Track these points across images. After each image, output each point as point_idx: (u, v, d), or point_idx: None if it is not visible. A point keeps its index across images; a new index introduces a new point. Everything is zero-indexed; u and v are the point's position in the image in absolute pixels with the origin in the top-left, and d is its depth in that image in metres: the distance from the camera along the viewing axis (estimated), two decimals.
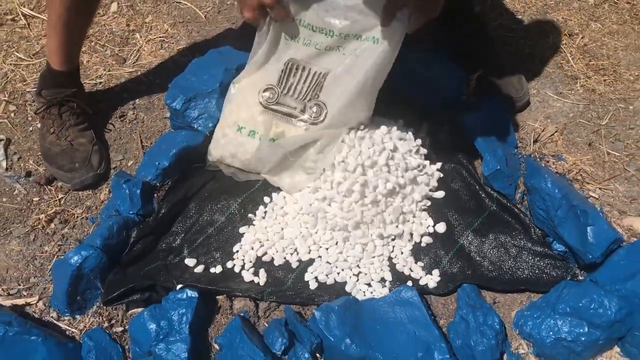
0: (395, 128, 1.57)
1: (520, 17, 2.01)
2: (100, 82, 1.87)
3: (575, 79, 1.85)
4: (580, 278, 1.39)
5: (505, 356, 1.30)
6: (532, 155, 1.60)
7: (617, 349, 1.32)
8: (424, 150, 1.58)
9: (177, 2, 2.12)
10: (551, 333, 1.28)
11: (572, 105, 1.78)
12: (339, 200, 1.46)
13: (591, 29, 1.99)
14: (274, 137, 1.51)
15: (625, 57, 1.91)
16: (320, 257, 1.45)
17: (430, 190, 1.53)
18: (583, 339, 1.26)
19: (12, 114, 1.80)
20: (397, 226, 1.48)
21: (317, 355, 1.31)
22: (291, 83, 1.51)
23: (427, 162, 1.57)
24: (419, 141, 1.59)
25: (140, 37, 2.01)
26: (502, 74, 1.74)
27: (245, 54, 1.69)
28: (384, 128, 1.54)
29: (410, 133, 1.59)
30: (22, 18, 2.07)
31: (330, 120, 1.48)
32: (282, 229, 1.48)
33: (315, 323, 1.29)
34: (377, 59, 1.42)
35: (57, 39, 1.59)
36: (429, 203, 1.52)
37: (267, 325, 1.35)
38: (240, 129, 1.55)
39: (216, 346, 1.33)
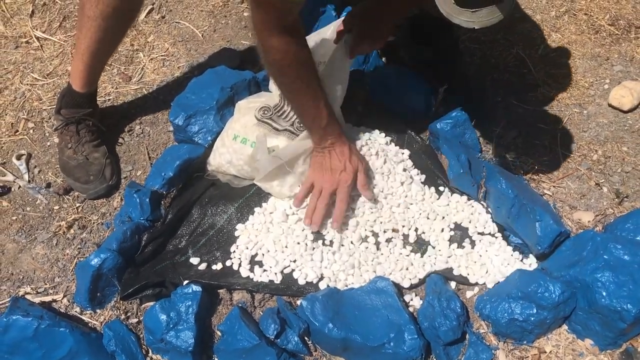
0: (373, 136, 1.76)
1: (487, 29, 2.12)
2: (109, 99, 2.01)
3: (536, 86, 1.99)
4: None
5: (467, 335, 1.46)
6: (494, 159, 1.77)
7: (565, 327, 1.49)
8: (405, 157, 1.75)
9: (176, 22, 2.25)
10: (506, 314, 1.44)
11: (532, 111, 1.92)
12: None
13: (552, 39, 2.12)
14: (270, 148, 1.65)
15: (581, 65, 2.05)
16: (302, 256, 1.58)
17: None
18: (533, 319, 1.43)
19: (31, 131, 1.94)
20: (380, 228, 1.64)
21: (305, 338, 1.47)
22: (285, 110, 1.70)
23: (409, 168, 1.73)
24: (402, 150, 1.76)
25: (144, 56, 2.15)
26: (468, 84, 1.92)
27: (239, 72, 1.88)
28: (363, 136, 1.73)
29: (389, 140, 1.77)
30: (36, 40, 2.20)
31: None
32: (269, 231, 1.63)
33: (303, 310, 1.45)
34: (326, 79, 1.61)
35: (83, 65, 1.72)
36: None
37: (262, 313, 1.50)
38: (235, 138, 1.69)
39: (218, 333, 1.48)
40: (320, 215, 1.59)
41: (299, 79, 1.50)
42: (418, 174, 1.72)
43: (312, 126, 1.58)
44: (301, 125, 1.66)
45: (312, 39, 1.65)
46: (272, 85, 1.77)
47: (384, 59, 1.98)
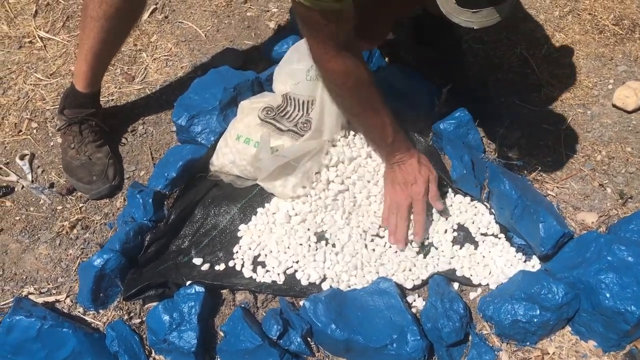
0: None
1: (490, 29, 2.11)
2: (112, 99, 2.01)
3: (539, 86, 1.99)
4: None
5: (470, 336, 1.46)
6: (497, 159, 1.77)
7: (568, 328, 1.49)
8: None
9: (179, 22, 2.25)
10: (509, 316, 1.44)
11: (536, 111, 1.92)
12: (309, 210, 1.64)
13: (556, 39, 2.12)
14: (274, 147, 1.65)
15: (585, 65, 2.04)
16: (305, 257, 1.59)
17: None
18: (536, 320, 1.42)
19: (35, 131, 1.95)
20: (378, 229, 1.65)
21: (308, 339, 1.47)
22: (287, 110, 1.70)
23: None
24: None
25: (147, 56, 2.15)
26: (471, 84, 1.92)
27: (242, 73, 1.88)
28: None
29: None
30: (39, 40, 2.20)
31: (314, 127, 1.64)
32: (272, 232, 1.63)
33: (305, 311, 1.45)
34: None
35: (86, 65, 1.72)
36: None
37: (264, 314, 1.50)
38: (238, 138, 1.69)
39: (221, 333, 1.48)
40: (403, 232, 1.59)
41: (363, 99, 1.51)
42: None
43: (379, 144, 1.60)
44: (305, 125, 1.67)
45: None
46: (276, 86, 1.77)
47: (386, 59, 1.98)
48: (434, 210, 1.65)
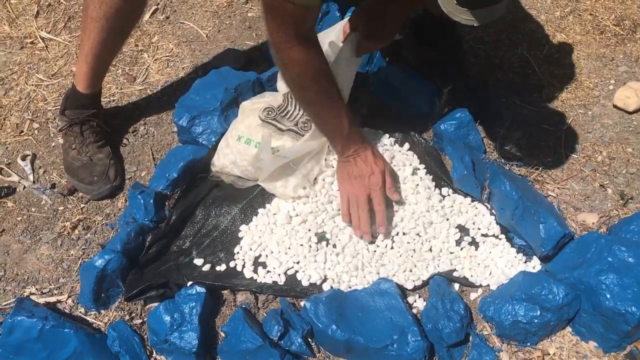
0: (377, 137, 1.77)
1: (491, 29, 2.14)
2: (114, 100, 2.02)
3: (540, 87, 1.99)
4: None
5: (470, 337, 1.46)
6: (498, 160, 1.77)
7: (568, 329, 1.49)
8: (411, 156, 1.75)
9: (180, 23, 2.25)
10: (509, 316, 1.44)
11: (537, 111, 1.92)
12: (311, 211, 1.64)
13: (557, 39, 2.12)
14: (274, 148, 1.65)
15: (586, 65, 2.04)
16: (305, 258, 1.59)
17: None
18: (536, 321, 1.43)
19: (36, 131, 1.95)
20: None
21: (309, 339, 1.47)
22: (288, 110, 1.70)
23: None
24: (406, 146, 1.77)
25: (148, 56, 2.15)
26: (472, 84, 1.92)
27: (243, 73, 1.88)
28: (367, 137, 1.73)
29: (393, 141, 1.78)
30: (41, 41, 2.20)
31: (314, 126, 1.64)
32: (273, 233, 1.63)
33: (306, 312, 1.46)
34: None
35: (87, 66, 1.73)
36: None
37: (265, 315, 1.51)
38: (239, 138, 1.70)
39: (222, 334, 1.48)
40: (366, 223, 1.60)
41: (320, 90, 1.51)
42: (426, 174, 1.72)
43: (334, 136, 1.60)
44: (305, 125, 1.67)
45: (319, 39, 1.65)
46: (279, 85, 1.77)
47: (387, 59, 1.98)
48: (435, 211, 1.65)
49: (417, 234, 1.63)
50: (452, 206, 1.67)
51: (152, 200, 1.66)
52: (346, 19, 1.71)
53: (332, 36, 1.70)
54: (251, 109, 1.74)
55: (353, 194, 1.60)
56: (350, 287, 1.55)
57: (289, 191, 1.66)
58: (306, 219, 1.64)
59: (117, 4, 1.58)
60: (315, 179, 1.69)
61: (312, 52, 1.44)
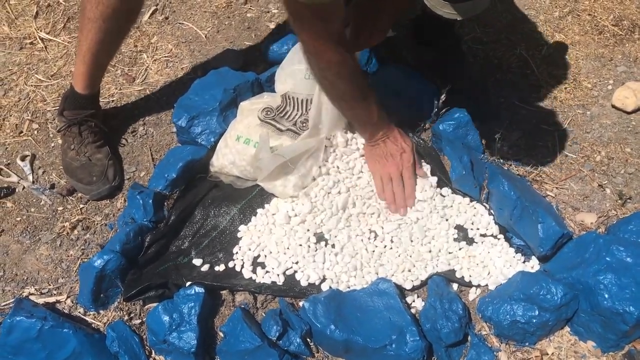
0: None
1: (490, 30, 2.14)
2: (113, 100, 2.02)
3: (539, 87, 1.99)
4: None
5: (469, 337, 1.47)
6: (496, 160, 1.77)
7: (567, 328, 1.49)
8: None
9: (179, 23, 2.25)
10: (508, 316, 1.45)
11: (535, 111, 1.92)
12: (307, 211, 1.64)
13: (555, 39, 2.12)
14: (273, 147, 1.66)
15: (585, 65, 2.04)
16: (304, 258, 1.59)
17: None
18: (535, 320, 1.43)
19: (35, 132, 1.95)
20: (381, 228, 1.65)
21: (307, 339, 1.48)
22: (287, 110, 1.71)
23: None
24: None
25: (147, 57, 2.15)
26: (470, 85, 1.92)
27: (242, 74, 1.88)
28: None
29: None
30: (40, 42, 2.21)
31: (312, 124, 1.65)
32: (272, 233, 1.63)
33: (305, 312, 1.46)
34: None
35: (85, 67, 1.73)
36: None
37: (264, 315, 1.51)
38: (238, 138, 1.70)
39: (221, 334, 1.48)
40: (402, 199, 1.66)
41: (354, 88, 1.55)
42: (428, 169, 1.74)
43: (365, 123, 1.65)
44: (304, 124, 1.68)
45: None
46: (277, 86, 1.77)
47: (387, 59, 1.98)
48: (434, 211, 1.66)
49: (416, 234, 1.63)
50: (451, 206, 1.67)
51: (151, 201, 1.66)
52: None
53: None
54: (250, 109, 1.74)
55: (386, 173, 1.66)
56: (349, 287, 1.55)
57: (288, 190, 1.66)
58: (305, 219, 1.64)
59: (114, 4, 1.59)
60: (315, 179, 1.68)
61: (344, 50, 1.47)
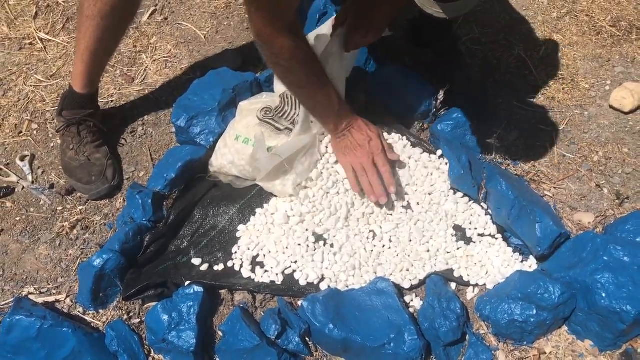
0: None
1: (488, 30, 2.15)
2: (112, 100, 2.02)
3: (537, 87, 1.99)
4: None
5: (467, 336, 1.47)
6: (494, 160, 1.77)
7: (564, 328, 1.50)
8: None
9: (178, 24, 2.26)
10: (506, 315, 1.45)
11: (533, 112, 1.92)
12: (307, 211, 1.65)
13: (553, 40, 2.12)
14: (270, 147, 1.67)
15: (582, 66, 2.05)
16: (303, 257, 1.60)
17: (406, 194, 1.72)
18: (532, 320, 1.43)
19: (35, 132, 1.96)
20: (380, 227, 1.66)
21: (306, 338, 1.48)
22: (285, 110, 1.71)
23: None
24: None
25: (147, 57, 2.16)
26: (469, 85, 1.92)
27: (241, 74, 1.89)
28: None
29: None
30: (39, 42, 2.21)
31: (301, 118, 1.66)
32: (271, 232, 1.64)
33: (304, 311, 1.46)
34: None
35: (83, 65, 1.73)
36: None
37: (263, 314, 1.52)
38: (237, 138, 1.71)
39: (220, 333, 1.49)
40: (380, 186, 1.63)
41: (310, 73, 1.54)
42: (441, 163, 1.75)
43: (327, 115, 1.63)
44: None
45: (310, 38, 1.66)
46: (276, 86, 1.78)
47: (385, 60, 1.99)
48: (434, 212, 1.66)
49: (415, 234, 1.64)
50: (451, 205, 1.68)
51: (150, 200, 1.67)
52: (334, 15, 1.72)
53: (323, 32, 1.70)
54: (249, 109, 1.75)
55: (357, 163, 1.64)
56: (347, 287, 1.56)
57: (288, 189, 1.66)
58: (304, 219, 1.65)
59: (112, 2, 1.59)
60: (313, 180, 1.69)
61: (298, 38, 1.47)
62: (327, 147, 1.72)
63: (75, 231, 1.72)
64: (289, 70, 1.53)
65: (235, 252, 1.62)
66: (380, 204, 1.64)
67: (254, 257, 1.62)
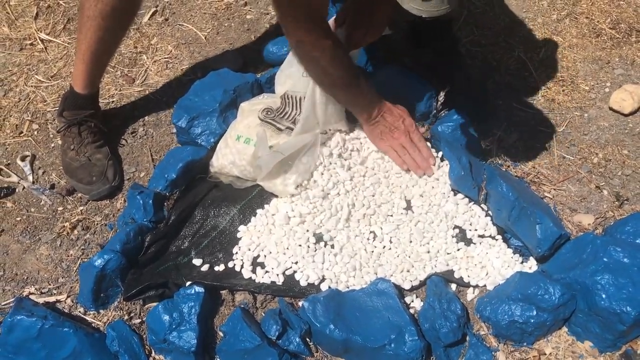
0: None
1: (488, 32, 2.15)
2: (113, 101, 2.02)
3: (537, 89, 2.00)
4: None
5: (467, 337, 1.47)
6: (495, 161, 1.78)
7: (564, 329, 1.50)
8: None
9: (179, 25, 2.26)
10: (506, 316, 1.45)
11: (533, 113, 1.93)
12: (308, 211, 1.65)
13: (553, 42, 2.13)
14: (272, 145, 1.67)
15: (582, 68, 2.05)
16: (304, 258, 1.60)
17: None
18: (532, 321, 1.44)
19: (35, 132, 1.96)
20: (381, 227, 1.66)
21: (307, 339, 1.48)
22: (286, 111, 1.72)
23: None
24: None
25: (147, 58, 2.16)
26: (469, 87, 1.93)
27: (242, 75, 1.89)
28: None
29: None
30: (40, 42, 2.21)
31: (304, 115, 1.66)
32: (271, 233, 1.64)
33: (304, 312, 1.47)
34: None
35: (84, 65, 1.74)
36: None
37: (263, 314, 1.52)
38: (238, 138, 1.71)
39: (220, 333, 1.49)
40: (423, 159, 1.72)
41: (340, 62, 1.59)
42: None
43: (359, 104, 1.68)
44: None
45: None
46: (277, 87, 1.78)
47: (385, 61, 1.99)
48: (434, 213, 1.67)
49: (415, 235, 1.64)
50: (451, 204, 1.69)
51: (151, 201, 1.67)
52: (334, 15, 1.73)
53: None
54: (250, 109, 1.75)
55: (397, 145, 1.70)
56: (348, 287, 1.56)
57: (289, 188, 1.67)
58: (304, 220, 1.65)
59: (113, 3, 1.60)
60: (315, 181, 1.69)
61: (333, 35, 1.53)
62: (329, 149, 1.72)
63: (76, 231, 1.73)
64: (327, 72, 1.58)
65: (236, 253, 1.63)
66: (428, 175, 1.72)
67: (255, 258, 1.62)
